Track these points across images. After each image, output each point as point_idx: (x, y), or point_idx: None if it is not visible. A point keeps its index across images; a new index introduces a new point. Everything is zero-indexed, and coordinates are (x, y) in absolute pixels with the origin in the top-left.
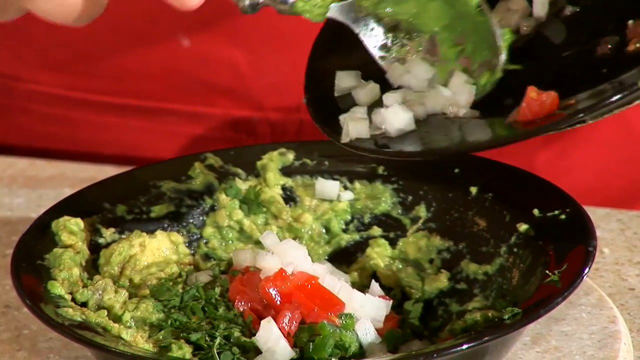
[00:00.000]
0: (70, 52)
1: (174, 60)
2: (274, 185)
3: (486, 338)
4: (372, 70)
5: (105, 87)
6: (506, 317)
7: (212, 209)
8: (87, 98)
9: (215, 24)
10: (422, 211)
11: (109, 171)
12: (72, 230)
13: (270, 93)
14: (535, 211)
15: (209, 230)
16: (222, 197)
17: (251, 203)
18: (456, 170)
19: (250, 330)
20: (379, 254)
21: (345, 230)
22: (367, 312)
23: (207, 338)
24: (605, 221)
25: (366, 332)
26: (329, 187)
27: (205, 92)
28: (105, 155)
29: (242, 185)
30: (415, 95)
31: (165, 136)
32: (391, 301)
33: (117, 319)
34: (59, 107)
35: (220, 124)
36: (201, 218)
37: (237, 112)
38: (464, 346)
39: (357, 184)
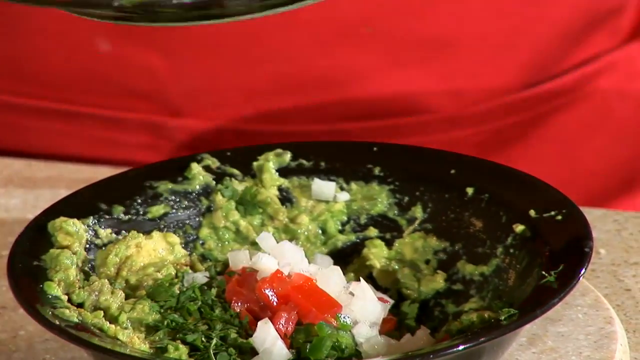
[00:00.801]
0: None
1: (93, 63)
2: (270, 186)
3: (482, 339)
4: None
5: (28, 90)
6: (502, 317)
7: (209, 210)
8: (9, 100)
9: (133, 27)
10: (418, 212)
11: (105, 172)
12: (68, 231)
13: (189, 99)
14: (532, 212)
15: (205, 231)
16: (219, 198)
17: (247, 204)
18: (452, 171)
19: (247, 331)
20: (376, 255)
21: (341, 231)
22: (365, 315)
23: (203, 339)
24: (601, 222)
25: (363, 333)
26: (325, 188)
27: (125, 96)
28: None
29: (239, 186)
30: None
31: (86, 141)
32: (389, 303)
33: (114, 320)
34: None
35: (140, 129)
36: (197, 219)
37: (156, 117)
38: (460, 347)
39: (353, 185)
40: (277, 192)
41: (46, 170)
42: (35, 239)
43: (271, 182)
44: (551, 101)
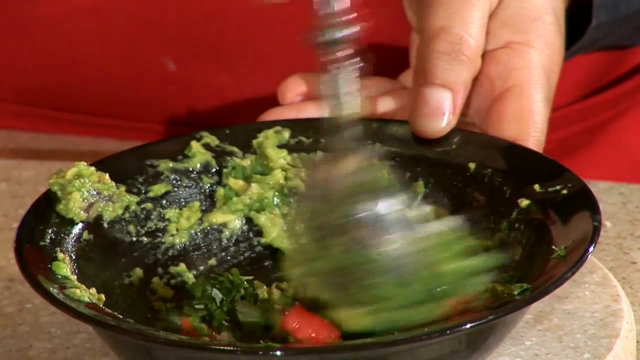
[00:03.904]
0: None
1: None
2: (277, 159)
3: (500, 313)
4: None
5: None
6: (515, 292)
7: (211, 189)
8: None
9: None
10: (419, 188)
11: (107, 144)
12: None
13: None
14: (536, 186)
15: None
16: (232, 182)
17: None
18: (453, 147)
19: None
20: None
21: None
22: None
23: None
24: (606, 194)
25: None
26: None
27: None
28: None
29: (243, 162)
30: None
31: None
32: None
33: None
34: None
35: None
36: (198, 197)
37: None
38: (490, 317)
39: None
40: (284, 163)
41: (52, 143)
42: (44, 212)
43: (277, 156)
44: (614, 106)
